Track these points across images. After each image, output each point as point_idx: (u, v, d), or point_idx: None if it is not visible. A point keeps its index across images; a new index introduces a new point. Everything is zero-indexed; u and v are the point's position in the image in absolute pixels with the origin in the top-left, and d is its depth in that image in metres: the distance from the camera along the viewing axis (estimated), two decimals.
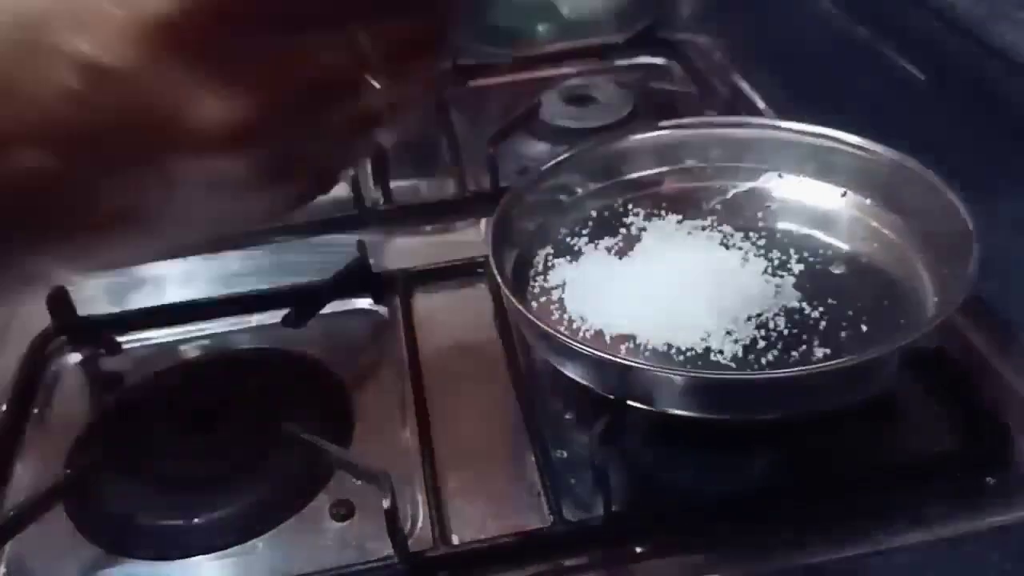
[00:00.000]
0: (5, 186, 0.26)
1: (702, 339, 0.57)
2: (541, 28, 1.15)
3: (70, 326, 0.68)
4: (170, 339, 0.70)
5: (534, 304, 0.62)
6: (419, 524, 0.53)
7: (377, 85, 0.27)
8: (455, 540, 0.52)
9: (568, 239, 0.67)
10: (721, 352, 0.56)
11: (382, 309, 0.71)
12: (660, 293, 0.60)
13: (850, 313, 0.59)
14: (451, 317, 0.69)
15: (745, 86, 0.94)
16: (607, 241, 0.66)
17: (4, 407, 0.63)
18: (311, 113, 0.27)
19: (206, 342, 0.69)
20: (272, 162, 0.27)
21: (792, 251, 0.64)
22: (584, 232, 0.67)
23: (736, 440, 0.56)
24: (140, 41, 0.25)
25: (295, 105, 0.26)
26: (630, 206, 0.69)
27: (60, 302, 0.67)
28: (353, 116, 0.28)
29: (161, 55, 0.25)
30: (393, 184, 0.81)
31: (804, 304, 0.60)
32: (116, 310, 0.71)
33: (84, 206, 0.27)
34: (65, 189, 0.27)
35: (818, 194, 0.68)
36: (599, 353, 0.52)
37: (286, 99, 0.26)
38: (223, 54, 0.25)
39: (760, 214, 0.68)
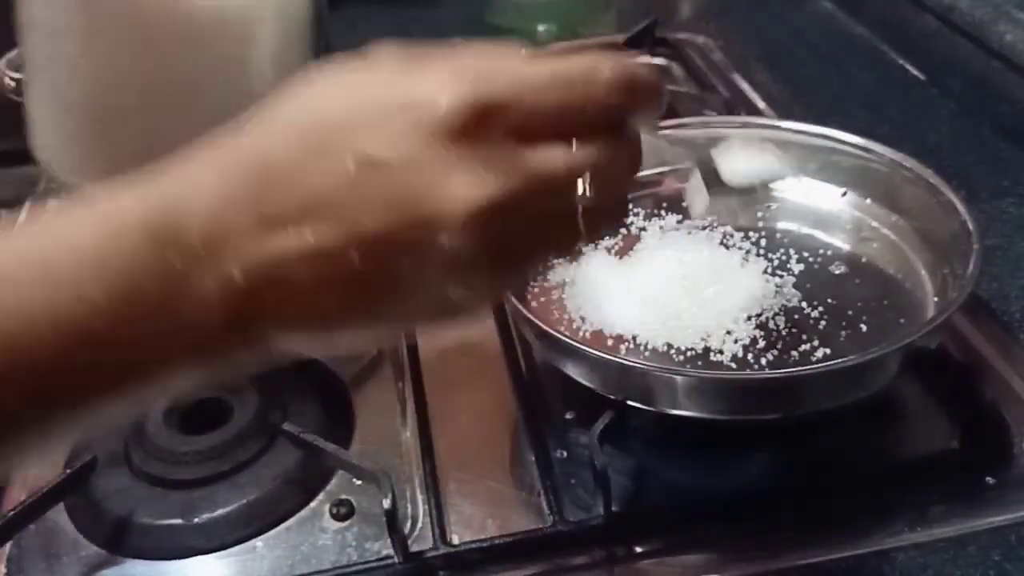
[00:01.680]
0: (292, 260, 0.31)
1: (702, 339, 0.57)
2: (541, 28, 1.15)
3: None
4: None
5: (534, 304, 0.62)
6: (419, 524, 0.53)
7: (587, 191, 0.33)
8: (455, 540, 0.52)
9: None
10: (721, 352, 0.56)
11: None
12: (660, 293, 0.60)
13: (850, 313, 0.59)
14: None
15: (745, 86, 0.94)
16: (607, 241, 0.66)
17: None
18: (535, 204, 0.32)
19: None
20: (495, 245, 0.32)
21: (792, 251, 0.64)
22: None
23: (736, 440, 0.56)
24: (416, 139, 0.31)
25: (525, 196, 0.32)
26: (631, 205, 0.69)
27: None
28: (564, 212, 0.33)
29: (429, 149, 0.31)
30: None
31: (804, 304, 0.60)
32: None
33: (340, 279, 0.32)
34: (330, 263, 0.31)
35: (818, 194, 0.68)
36: (599, 353, 0.52)
37: (519, 188, 0.31)
38: (478, 148, 0.31)
39: (760, 214, 0.68)
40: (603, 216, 0.35)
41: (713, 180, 0.52)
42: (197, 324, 0.31)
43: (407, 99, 0.32)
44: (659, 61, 1.01)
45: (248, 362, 0.34)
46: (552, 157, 0.32)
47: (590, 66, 0.34)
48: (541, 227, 0.33)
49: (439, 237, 0.31)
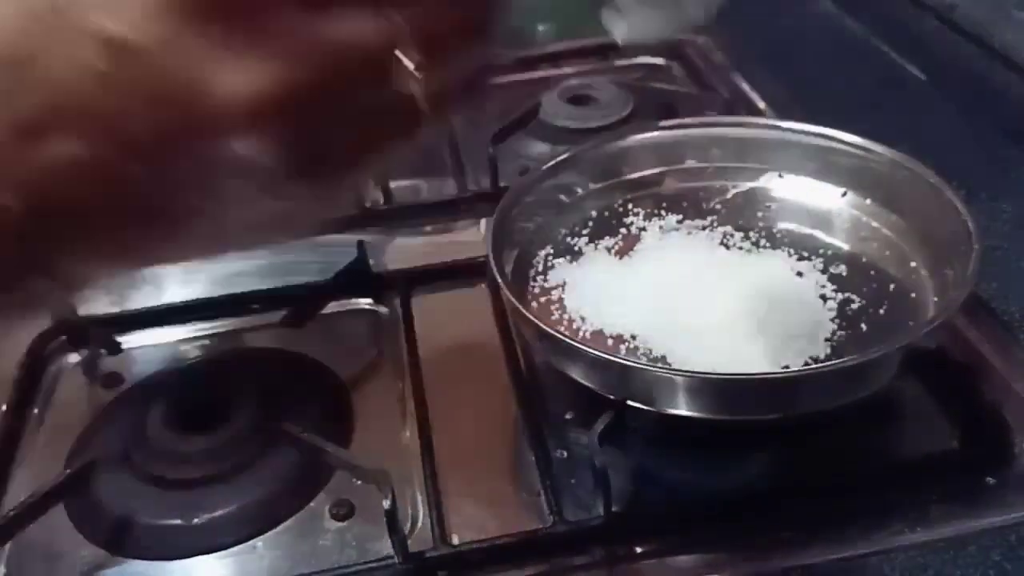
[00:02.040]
0: (39, 179, 0.26)
1: (702, 338, 0.57)
2: (541, 28, 1.14)
3: (70, 326, 0.68)
4: (170, 339, 0.70)
5: (534, 304, 0.62)
6: (419, 524, 0.53)
7: (410, 64, 0.26)
8: (455, 540, 0.52)
9: (568, 239, 0.67)
10: (721, 352, 0.56)
11: (382, 309, 0.71)
12: (660, 293, 0.60)
13: (850, 313, 0.59)
14: (451, 317, 0.69)
15: (745, 86, 0.94)
16: (607, 241, 0.66)
17: (4, 407, 0.63)
18: (337, 89, 0.26)
19: (206, 342, 0.69)
20: (300, 147, 0.26)
21: (792, 251, 0.64)
22: (584, 232, 0.67)
23: (736, 440, 0.56)
24: (164, 16, 0.24)
25: (320, 79, 0.25)
26: (630, 206, 0.69)
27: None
28: (385, 100, 0.27)
29: (186, 29, 0.24)
30: (393, 184, 0.81)
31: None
32: (116, 310, 0.71)
33: (117, 201, 0.27)
34: (97, 182, 0.26)
35: (818, 194, 0.68)
36: (599, 353, 0.52)
37: (311, 71, 0.25)
38: (247, 26, 0.25)
39: (760, 214, 0.68)
40: (450, 88, 0.28)
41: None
42: None
43: None
44: (659, 62, 1.01)
45: (55, 293, 0.30)
46: (356, 24, 0.25)
47: None
48: (361, 115, 0.27)
49: (227, 141, 0.25)
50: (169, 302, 0.72)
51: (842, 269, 0.63)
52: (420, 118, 0.28)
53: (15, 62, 0.25)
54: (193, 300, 0.72)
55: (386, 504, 0.50)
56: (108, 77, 0.25)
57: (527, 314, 0.55)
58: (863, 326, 0.58)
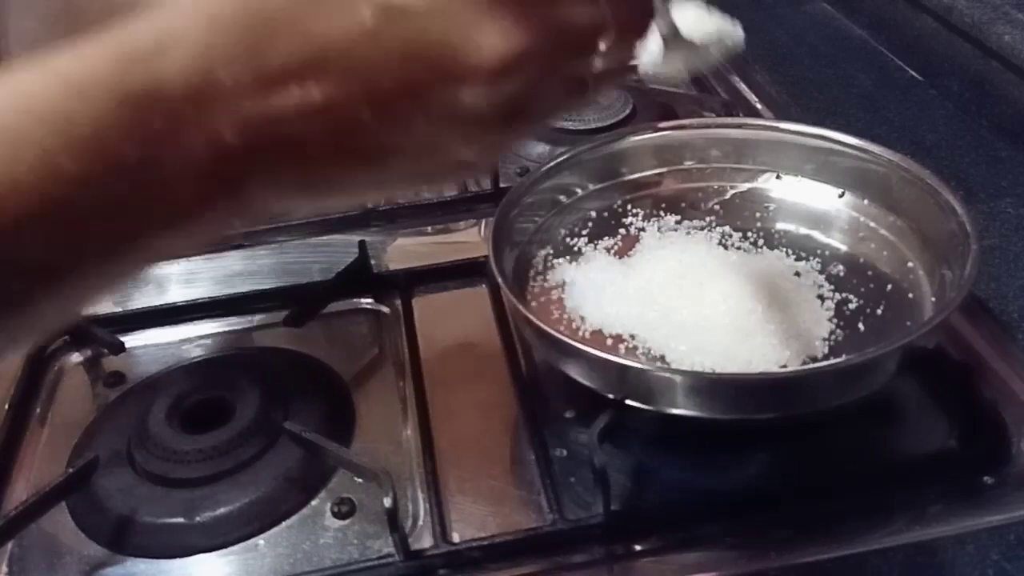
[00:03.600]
0: (267, 119, 0.28)
1: (701, 338, 0.57)
2: None
3: (72, 325, 0.68)
4: (173, 338, 0.70)
5: (534, 304, 0.62)
6: (420, 522, 0.54)
7: (603, 48, 0.32)
8: (456, 538, 0.52)
9: (568, 239, 0.67)
10: (720, 351, 0.56)
11: (383, 308, 0.71)
12: (659, 293, 0.60)
13: (848, 313, 0.59)
14: (451, 317, 0.70)
15: (743, 87, 0.94)
16: (607, 241, 0.66)
17: (7, 406, 0.64)
18: (559, 59, 0.31)
19: (208, 341, 0.70)
20: (514, 101, 0.30)
21: (790, 251, 0.64)
22: (584, 232, 0.68)
23: (736, 440, 0.56)
24: None
25: (551, 50, 0.30)
26: (630, 206, 0.70)
27: None
28: (579, 76, 0.33)
29: None
30: None
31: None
32: (119, 310, 0.71)
33: (335, 140, 0.29)
34: (325, 123, 0.29)
35: (816, 194, 0.68)
36: (599, 353, 0.52)
37: (547, 41, 0.30)
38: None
39: (758, 215, 0.68)
40: (613, 74, 0.35)
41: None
42: (182, 187, 0.29)
43: None
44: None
45: (239, 222, 0.32)
46: (579, 12, 0.31)
47: None
48: (559, 83, 0.32)
49: (461, 93, 0.29)
50: (171, 301, 0.72)
51: (840, 269, 0.63)
52: (586, 92, 0.34)
53: (278, 23, 0.28)
54: (195, 300, 0.72)
55: (387, 502, 0.50)
56: (375, 32, 0.28)
57: (527, 314, 0.55)
58: (861, 326, 0.58)
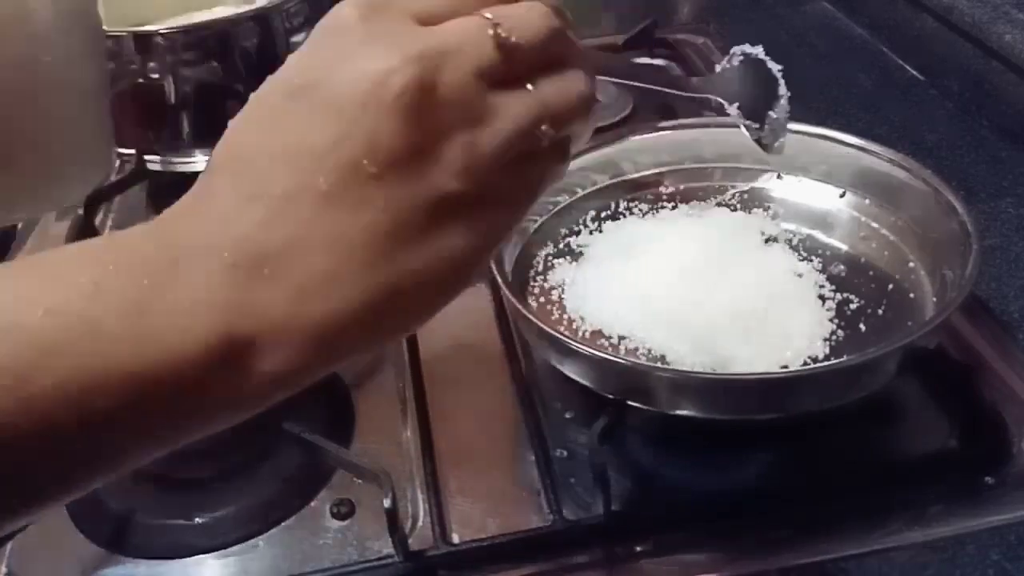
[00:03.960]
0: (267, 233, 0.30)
1: (701, 338, 0.57)
2: None
3: None
4: None
5: (534, 304, 0.62)
6: (419, 523, 0.54)
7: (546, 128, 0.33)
8: (455, 539, 0.52)
9: (568, 239, 0.67)
10: (720, 351, 0.56)
11: None
12: (659, 293, 0.60)
13: (849, 313, 0.59)
14: (451, 317, 0.69)
15: None
16: (607, 241, 0.66)
17: None
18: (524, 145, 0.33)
19: None
20: (494, 184, 0.32)
21: (791, 251, 0.64)
22: (584, 232, 0.67)
23: (736, 440, 0.56)
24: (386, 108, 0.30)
25: (516, 138, 0.32)
26: (630, 206, 0.70)
27: None
28: (533, 154, 0.34)
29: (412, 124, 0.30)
30: None
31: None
32: None
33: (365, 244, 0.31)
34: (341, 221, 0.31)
35: (817, 194, 0.68)
36: (599, 353, 0.52)
37: (513, 129, 0.32)
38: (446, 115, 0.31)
39: (760, 214, 0.68)
40: (566, 144, 0.35)
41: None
42: (193, 317, 0.29)
43: (361, 80, 0.30)
44: (659, 62, 1.01)
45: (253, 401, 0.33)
46: (516, 99, 0.32)
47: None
48: (520, 168, 0.33)
49: (443, 179, 0.31)
50: None
51: (841, 269, 0.63)
52: (550, 164, 0.35)
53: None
54: None
55: (387, 503, 0.50)
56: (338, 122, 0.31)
57: (527, 314, 0.55)
58: (862, 326, 0.58)
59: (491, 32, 0.32)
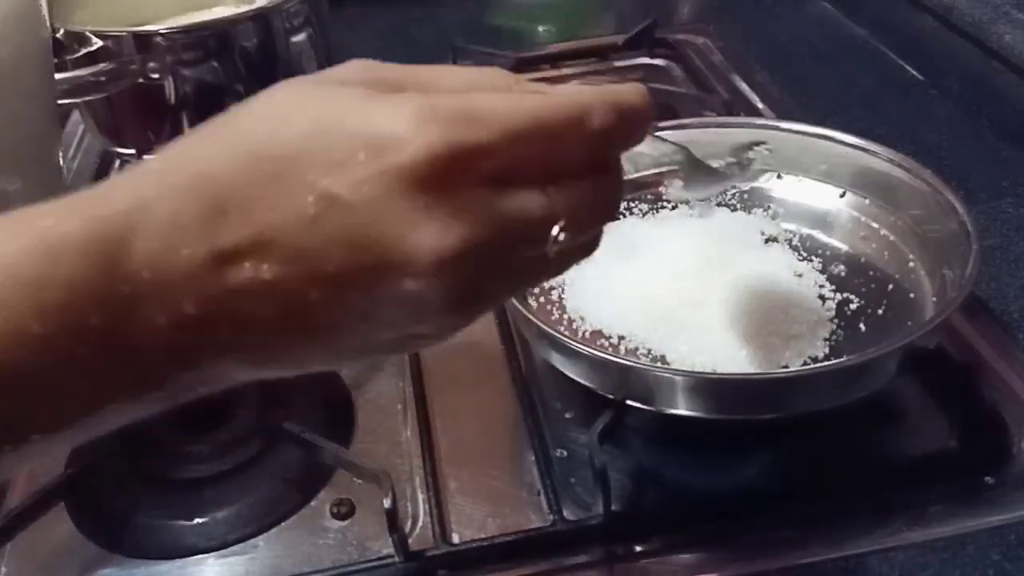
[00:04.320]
0: (222, 293, 0.29)
1: (701, 339, 0.57)
2: (541, 28, 1.15)
3: None
4: None
5: (534, 304, 0.62)
6: (419, 523, 0.54)
7: (561, 237, 0.31)
8: (455, 539, 0.52)
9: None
10: (719, 351, 0.56)
11: None
12: (659, 293, 0.60)
13: (849, 313, 0.59)
14: None
15: (744, 86, 0.94)
16: (607, 241, 0.66)
17: None
18: (506, 251, 0.31)
19: None
20: (463, 289, 0.31)
21: (791, 251, 0.64)
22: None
23: (736, 440, 0.56)
24: (382, 184, 0.29)
25: (495, 243, 0.30)
26: (630, 206, 0.69)
27: None
28: (535, 258, 0.32)
29: (396, 195, 0.29)
30: None
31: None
32: None
33: (284, 316, 0.31)
34: (275, 300, 0.30)
35: (817, 194, 0.68)
36: (599, 353, 0.52)
37: (489, 235, 0.30)
38: (448, 195, 0.29)
39: (760, 214, 0.68)
40: (574, 254, 0.34)
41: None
42: (143, 356, 0.30)
43: (372, 136, 0.29)
44: (659, 62, 1.01)
45: (196, 390, 0.32)
46: (528, 205, 0.31)
47: (578, 112, 0.32)
48: (511, 271, 0.32)
49: (404, 282, 0.30)
50: None
51: (841, 269, 0.63)
52: (548, 271, 0.34)
53: (230, 203, 0.29)
54: None
55: (387, 503, 0.50)
56: (315, 219, 0.29)
57: (527, 314, 0.55)
58: (862, 326, 0.58)
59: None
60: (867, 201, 0.66)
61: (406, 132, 0.29)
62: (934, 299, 0.58)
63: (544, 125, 0.31)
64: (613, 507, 0.51)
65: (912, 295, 0.60)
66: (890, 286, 0.61)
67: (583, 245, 0.35)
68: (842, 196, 0.67)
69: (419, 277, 0.29)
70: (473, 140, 0.30)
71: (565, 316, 0.61)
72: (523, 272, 0.33)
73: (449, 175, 0.29)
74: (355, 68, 0.33)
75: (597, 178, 0.33)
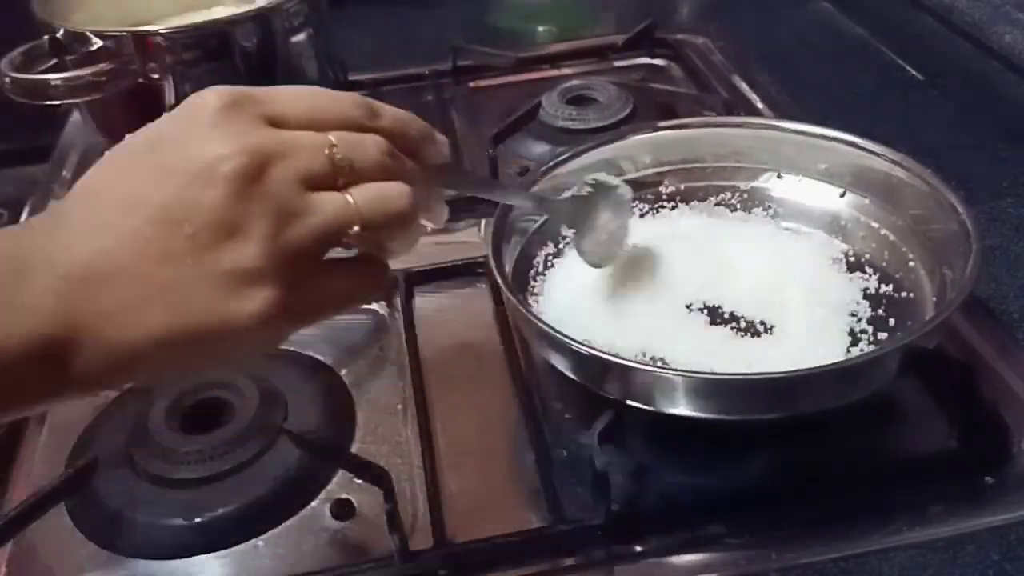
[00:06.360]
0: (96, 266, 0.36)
1: (700, 339, 0.57)
2: (541, 29, 1.15)
3: None
4: None
5: (534, 304, 0.62)
6: (419, 523, 0.54)
7: (351, 198, 0.38)
8: (455, 539, 0.52)
9: (568, 239, 0.67)
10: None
11: (383, 309, 0.71)
12: (659, 292, 0.60)
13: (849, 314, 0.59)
14: (451, 317, 0.70)
15: (744, 86, 0.94)
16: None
17: None
18: (292, 170, 0.37)
19: None
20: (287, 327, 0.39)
21: (791, 251, 0.64)
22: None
23: (736, 440, 0.56)
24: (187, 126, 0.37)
25: (278, 153, 0.37)
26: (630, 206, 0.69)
27: None
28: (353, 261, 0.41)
29: (198, 130, 0.37)
30: None
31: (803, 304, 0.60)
32: None
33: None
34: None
35: (817, 194, 0.68)
36: (599, 353, 0.52)
37: (270, 145, 0.37)
38: (233, 122, 0.37)
39: (760, 214, 0.68)
40: (381, 262, 0.41)
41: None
42: (27, 316, 0.34)
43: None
44: (658, 62, 1.01)
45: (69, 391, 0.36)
46: (303, 140, 0.38)
47: (354, 97, 0.40)
48: (334, 273, 0.39)
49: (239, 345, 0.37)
50: None
51: (841, 269, 0.63)
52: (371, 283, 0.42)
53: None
54: None
55: (386, 503, 0.50)
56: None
57: (527, 314, 0.55)
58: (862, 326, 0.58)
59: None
60: (867, 201, 0.66)
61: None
62: (934, 299, 0.58)
63: (317, 91, 0.40)
64: (613, 507, 0.51)
65: (912, 295, 0.60)
66: (890, 286, 0.61)
67: (384, 250, 0.42)
68: (842, 196, 0.67)
69: (250, 337, 0.37)
70: (248, 89, 0.38)
71: None
72: (340, 273, 0.40)
73: (231, 110, 0.37)
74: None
75: (384, 162, 0.39)
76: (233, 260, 0.36)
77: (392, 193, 0.39)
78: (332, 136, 0.38)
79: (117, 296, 0.35)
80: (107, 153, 0.38)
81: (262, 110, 0.38)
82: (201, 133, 0.36)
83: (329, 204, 0.38)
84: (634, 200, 0.69)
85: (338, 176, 0.38)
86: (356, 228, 0.38)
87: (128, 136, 0.39)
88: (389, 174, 0.39)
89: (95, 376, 0.36)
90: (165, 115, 0.39)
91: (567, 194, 0.58)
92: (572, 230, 0.57)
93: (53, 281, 0.35)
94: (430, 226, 0.46)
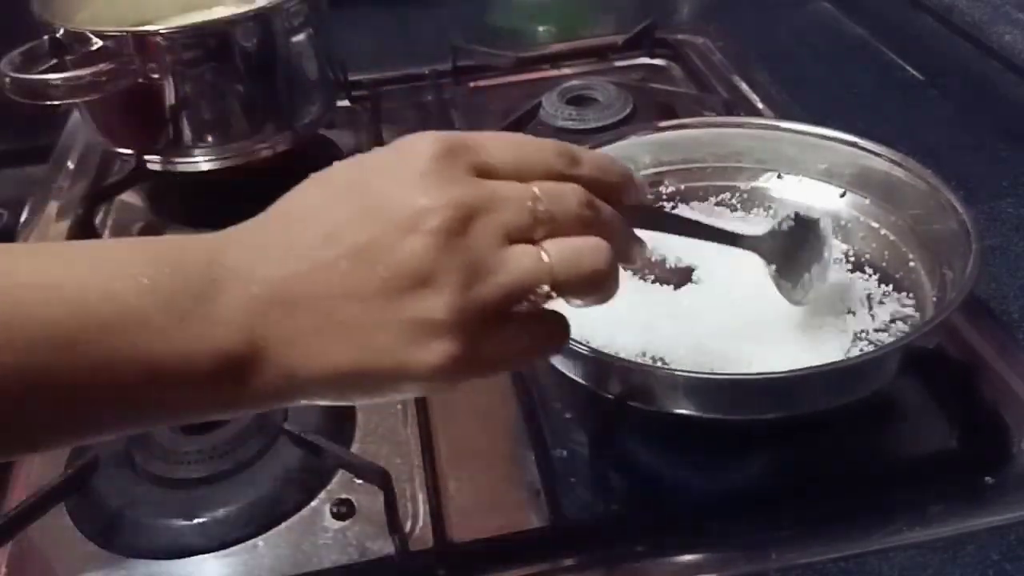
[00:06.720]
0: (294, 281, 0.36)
1: (700, 340, 0.57)
2: (541, 29, 1.15)
3: None
4: None
5: None
6: (419, 523, 0.54)
7: (548, 256, 0.37)
8: (455, 539, 0.52)
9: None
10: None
11: None
12: (660, 292, 0.60)
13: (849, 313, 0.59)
14: None
15: (744, 86, 0.94)
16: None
17: None
18: (492, 223, 0.37)
19: None
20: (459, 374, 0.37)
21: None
22: None
23: (736, 440, 0.56)
24: (400, 176, 0.37)
25: (481, 208, 0.36)
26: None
27: None
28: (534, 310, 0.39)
29: (408, 181, 0.36)
30: None
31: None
32: None
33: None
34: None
35: (818, 194, 0.68)
36: (599, 353, 0.52)
37: (474, 199, 0.36)
38: (443, 172, 0.37)
39: (760, 214, 0.68)
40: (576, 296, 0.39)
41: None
42: (220, 328, 0.34)
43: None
44: (659, 62, 1.01)
45: (258, 398, 0.36)
46: (508, 191, 0.37)
47: (557, 144, 0.40)
48: (517, 330, 0.38)
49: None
50: None
51: (841, 269, 0.63)
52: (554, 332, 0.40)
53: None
54: None
55: (386, 503, 0.50)
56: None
57: None
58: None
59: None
60: (867, 201, 0.66)
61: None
62: (934, 299, 0.58)
63: (522, 140, 0.40)
64: (613, 507, 0.51)
65: (912, 295, 0.60)
66: (890, 286, 0.61)
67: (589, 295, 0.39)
68: (842, 196, 0.67)
69: (418, 386, 0.37)
70: (460, 137, 0.38)
71: None
72: (521, 332, 0.38)
73: (443, 160, 0.36)
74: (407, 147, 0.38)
75: (583, 214, 0.38)
76: (421, 309, 0.35)
77: (587, 251, 0.38)
78: (535, 187, 0.37)
79: (300, 323, 0.35)
80: (312, 177, 0.38)
81: (472, 160, 0.37)
82: (411, 181, 0.36)
83: (524, 261, 0.37)
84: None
85: (537, 227, 0.37)
86: (546, 288, 0.37)
87: (337, 163, 0.38)
88: (587, 226, 0.38)
89: (266, 396, 0.36)
90: (376, 151, 0.39)
91: (767, 230, 0.57)
92: (772, 266, 0.56)
93: (246, 298, 0.35)
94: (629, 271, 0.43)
